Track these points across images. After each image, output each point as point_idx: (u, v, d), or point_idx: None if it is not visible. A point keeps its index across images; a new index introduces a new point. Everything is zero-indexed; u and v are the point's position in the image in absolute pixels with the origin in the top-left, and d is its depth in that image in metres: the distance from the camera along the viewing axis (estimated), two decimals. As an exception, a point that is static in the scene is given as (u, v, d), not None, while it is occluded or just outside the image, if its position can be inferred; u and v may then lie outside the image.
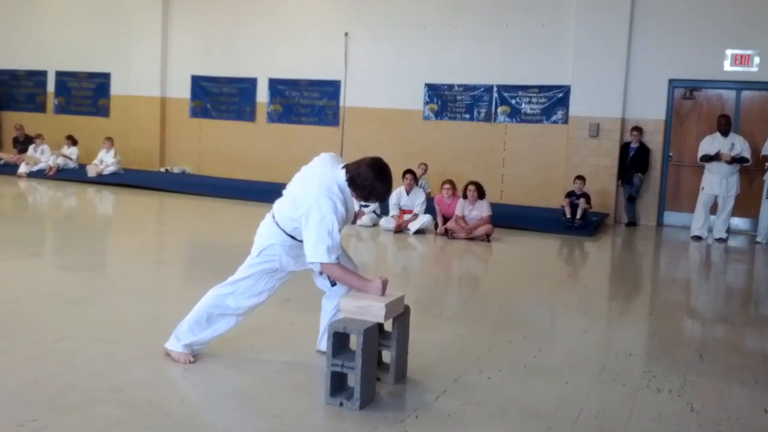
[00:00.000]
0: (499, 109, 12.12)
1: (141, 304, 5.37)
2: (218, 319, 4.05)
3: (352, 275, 3.85)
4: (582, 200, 10.17)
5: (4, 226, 9.13)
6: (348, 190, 3.79)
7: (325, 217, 3.67)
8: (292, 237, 3.90)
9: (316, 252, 3.69)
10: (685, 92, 11.17)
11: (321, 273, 3.97)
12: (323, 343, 4.05)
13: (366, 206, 10.11)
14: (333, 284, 3.99)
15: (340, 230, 3.77)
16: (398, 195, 9.94)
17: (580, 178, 10.39)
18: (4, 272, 6.23)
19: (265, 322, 4.85)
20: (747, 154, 9.96)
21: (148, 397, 3.53)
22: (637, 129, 11.11)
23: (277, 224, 3.92)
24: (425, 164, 11.49)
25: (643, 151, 11.13)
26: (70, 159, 13.99)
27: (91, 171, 13.38)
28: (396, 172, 11.34)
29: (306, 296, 4.87)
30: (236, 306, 4.02)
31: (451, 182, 9.76)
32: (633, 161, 11.13)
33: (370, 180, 3.74)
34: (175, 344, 4.04)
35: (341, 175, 3.78)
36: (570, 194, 10.34)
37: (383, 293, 3.76)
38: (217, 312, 4.03)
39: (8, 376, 3.73)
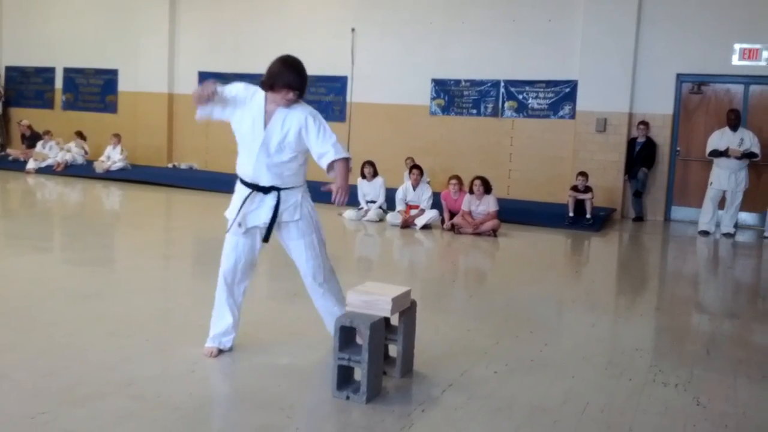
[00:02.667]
0: (506, 105, 12.11)
1: (150, 299, 5.40)
2: (224, 306, 4.08)
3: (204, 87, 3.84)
4: (588, 194, 10.15)
5: (14, 221, 9.19)
6: (259, 90, 3.87)
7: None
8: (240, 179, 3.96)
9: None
10: (693, 87, 11.12)
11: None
12: (328, 326, 4.11)
13: (373, 202, 10.12)
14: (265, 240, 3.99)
15: (242, 124, 3.88)
16: (405, 190, 9.95)
17: (583, 174, 10.36)
18: (13, 268, 6.28)
19: (272, 316, 4.88)
20: (756, 149, 9.91)
21: (157, 391, 3.56)
22: (644, 123, 11.08)
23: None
24: (411, 158, 11.41)
25: (650, 145, 11.10)
26: (83, 151, 14.05)
27: (99, 167, 13.44)
28: (402, 167, 11.36)
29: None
30: (221, 274, 4.04)
31: (457, 177, 9.76)
32: (639, 156, 11.10)
33: (275, 69, 3.81)
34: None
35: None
36: (574, 188, 10.31)
37: (208, 90, 3.77)
38: (220, 295, 4.07)
39: (18, 369, 3.77)
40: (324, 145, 3.85)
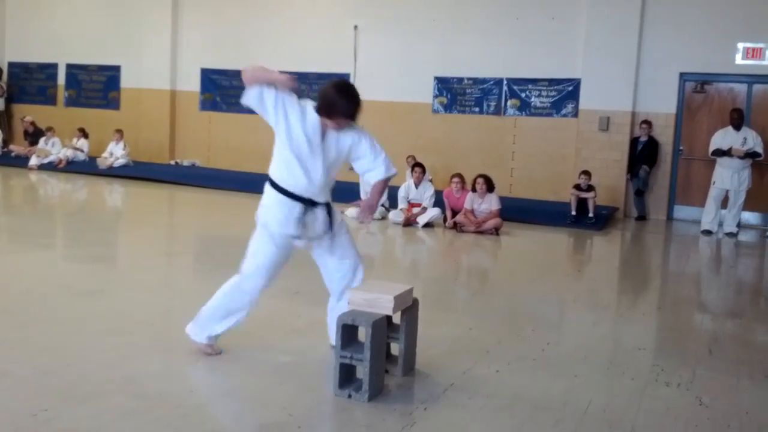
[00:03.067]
0: (509, 103, 12.09)
1: (152, 297, 5.41)
2: (235, 309, 4.04)
3: (261, 72, 3.85)
4: (591, 193, 10.14)
5: (16, 218, 9.20)
6: (311, 107, 3.81)
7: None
8: (276, 186, 3.86)
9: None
10: (696, 86, 11.10)
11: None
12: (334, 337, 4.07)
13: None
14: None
15: (293, 140, 3.77)
16: (407, 188, 9.94)
17: (586, 172, 10.34)
18: (15, 264, 6.28)
19: (274, 314, 4.87)
20: (759, 149, 9.89)
21: (158, 389, 3.56)
22: (647, 122, 11.06)
23: (269, 178, 3.92)
24: (413, 156, 11.39)
25: (652, 144, 11.08)
26: (81, 151, 14.06)
27: (102, 163, 13.46)
28: (404, 165, 11.37)
29: (314, 289, 4.88)
30: (255, 288, 3.99)
31: (460, 175, 9.75)
32: (641, 154, 11.09)
33: (332, 97, 3.73)
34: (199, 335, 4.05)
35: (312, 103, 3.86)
36: (576, 187, 10.30)
37: (289, 84, 3.77)
38: (233, 301, 4.03)
39: (20, 367, 3.77)
40: (375, 161, 3.91)
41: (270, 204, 3.88)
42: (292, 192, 3.83)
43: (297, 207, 3.84)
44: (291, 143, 3.79)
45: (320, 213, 3.92)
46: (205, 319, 4.06)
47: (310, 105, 3.83)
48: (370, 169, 3.92)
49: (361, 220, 4.08)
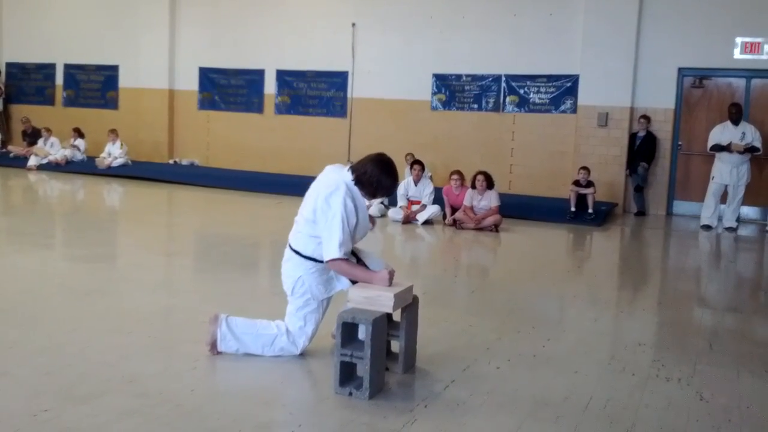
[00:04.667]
0: (508, 99, 12.08)
1: (151, 296, 5.40)
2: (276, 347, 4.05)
3: (358, 268, 3.88)
4: (590, 189, 10.13)
5: (15, 218, 9.19)
6: (356, 189, 3.86)
7: (336, 214, 3.76)
8: (314, 260, 3.92)
9: (331, 249, 3.76)
10: (694, 81, 11.09)
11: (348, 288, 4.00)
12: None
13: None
14: (354, 282, 4.00)
15: (356, 231, 3.86)
16: (406, 186, 9.93)
17: (585, 168, 10.34)
18: (15, 264, 6.28)
19: (275, 313, 4.87)
20: (758, 143, 9.88)
21: (159, 388, 3.56)
22: (645, 117, 11.06)
23: (297, 253, 3.95)
24: (411, 154, 11.39)
25: (650, 139, 11.07)
26: (78, 150, 14.05)
27: (100, 163, 13.44)
28: (403, 163, 11.35)
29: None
30: (304, 346, 4.04)
31: (459, 172, 9.74)
32: (639, 150, 11.08)
33: (375, 176, 3.82)
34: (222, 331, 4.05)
35: (348, 176, 3.87)
36: (575, 183, 10.29)
37: (390, 284, 3.79)
38: (283, 350, 4.05)
39: (20, 367, 3.77)
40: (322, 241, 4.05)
41: (310, 276, 3.94)
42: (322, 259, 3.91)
43: (326, 268, 3.94)
44: (356, 236, 3.93)
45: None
46: (252, 346, 4.05)
47: (354, 188, 3.86)
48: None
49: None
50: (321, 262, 3.91)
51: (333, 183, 3.85)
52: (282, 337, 4.00)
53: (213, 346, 4.03)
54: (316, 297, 3.98)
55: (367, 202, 3.99)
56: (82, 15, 15.38)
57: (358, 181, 3.84)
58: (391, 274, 3.82)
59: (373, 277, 3.82)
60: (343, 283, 3.98)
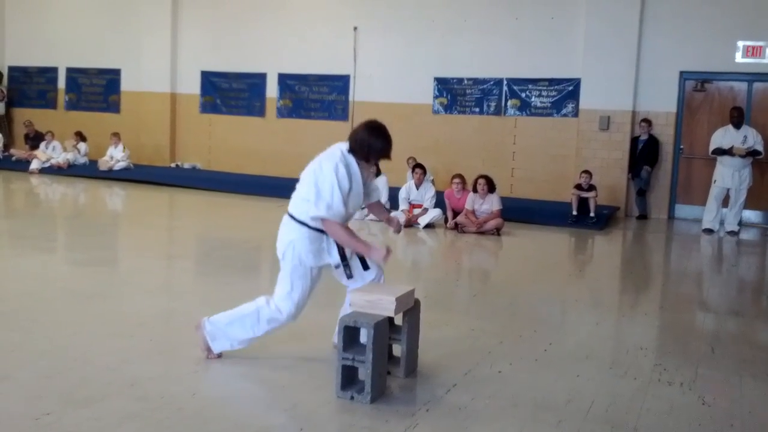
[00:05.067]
0: (509, 103, 12.09)
1: (153, 299, 5.40)
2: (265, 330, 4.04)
3: (352, 236, 3.89)
4: (592, 193, 10.12)
5: (17, 221, 9.20)
6: (351, 157, 3.90)
7: (327, 177, 3.81)
8: (307, 226, 3.90)
9: (317, 207, 3.80)
10: (696, 84, 11.09)
11: (337, 267, 3.99)
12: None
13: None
14: (349, 276, 3.99)
15: (349, 198, 3.84)
16: (408, 189, 9.94)
17: (587, 172, 10.34)
18: (17, 267, 6.28)
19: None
20: (760, 147, 9.88)
21: (160, 392, 3.56)
22: (647, 121, 11.05)
23: (292, 217, 3.94)
24: (413, 158, 11.39)
25: (653, 143, 11.07)
26: (78, 152, 14.07)
27: (103, 166, 13.46)
28: (404, 167, 11.37)
29: (317, 292, 4.87)
30: (290, 317, 4.01)
31: (460, 176, 9.75)
32: (642, 154, 11.08)
33: (366, 139, 3.88)
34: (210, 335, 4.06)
35: (344, 145, 3.95)
36: (578, 187, 10.28)
37: (385, 259, 3.85)
38: (270, 323, 4.02)
39: (22, 370, 3.77)
40: (379, 190, 4.34)
41: (302, 242, 3.91)
42: (319, 228, 3.91)
43: (327, 239, 3.94)
44: (350, 203, 3.91)
45: (333, 241, 3.96)
46: (238, 332, 4.04)
47: (349, 157, 3.90)
48: (378, 197, 4.30)
49: (397, 232, 4.38)
50: (314, 228, 3.90)
51: (329, 152, 3.95)
52: (264, 309, 3.97)
53: (208, 350, 4.04)
54: (303, 263, 3.94)
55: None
56: (84, 18, 15.42)
57: (351, 148, 3.90)
58: (388, 251, 3.86)
59: (369, 250, 3.88)
60: (333, 257, 3.94)
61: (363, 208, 9.95)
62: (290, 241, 3.94)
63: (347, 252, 3.97)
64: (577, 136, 11.53)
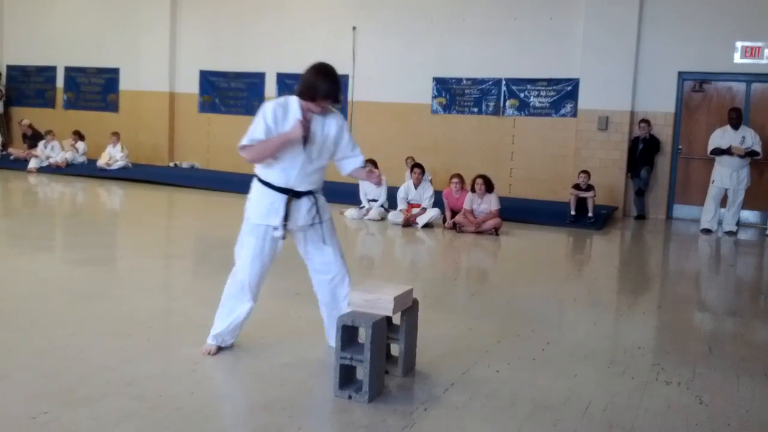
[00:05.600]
0: (508, 103, 12.10)
1: (151, 299, 5.40)
2: (235, 304, 4.08)
3: (266, 143, 3.83)
4: (590, 193, 10.13)
5: (15, 221, 9.19)
6: (295, 101, 3.87)
7: (258, 114, 3.86)
8: (260, 180, 3.98)
9: (243, 139, 3.85)
10: (694, 85, 11.11)
11: (276, 229, 3.95)
12: (332, 338, 4.06)
13: (374, 201, 10.12)
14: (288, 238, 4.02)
15: (282, 143, 3.81)
16: (406, 189, 9.94)
17: (585, 172, 10.34)
18: (15, 267, 6.28)
19: (274, 315, 4.87)
20: (758, 147, 9.89)
21: (158, 391, 3.56)
22: (645, 121, 11.06)
23: (255, 175, 4.03)
24: (412, 157, 11.41)
25: (652, 143, 11.08)
26: (77, 151, 14.06)
27: (101, 165, 13.44)
28: (403, 166, 11.36)
29: (314, 290, 4.88)
30: (244, 280, 4.02)
31: (459, 176, 9.75)
32: (641, 154, 11.09)
33: (311, 80, 3.83)
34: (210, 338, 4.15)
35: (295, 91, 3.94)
36: (576, 187, 10.29)
37: (301, 132, 3.78)
38: (233, 295, 4.08)
39: (20, 370, 3.77)
40: (354, 149, 4.06)
41: (254, 197, 4.00)
42: (275, 184, 3.92)
43: (279, 198, 3.91)
44: (288, 148, 3.88)
45: (304, 203, 3.96)
46: (216, 320, 4.13)
47: (292, 99, 3.90)
48: (350, 156, 4.06)
49: (378, 182, 4.32)
50: (266, 183, 3.93)
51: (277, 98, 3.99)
52: (229, 286, 4.09)
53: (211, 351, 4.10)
54: (249, 218, 3.99)
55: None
56: (82, 18, 15.41)
57: (299, 90, 3.87)
58: (302, 122, 3.79)
59: (285, 134, 3.80)
60: (273, 219, 3.91)
61: (362, 207, 10.05)
62: (248, 198, 4.03)
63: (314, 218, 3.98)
64: (576, 136, 11.54)
